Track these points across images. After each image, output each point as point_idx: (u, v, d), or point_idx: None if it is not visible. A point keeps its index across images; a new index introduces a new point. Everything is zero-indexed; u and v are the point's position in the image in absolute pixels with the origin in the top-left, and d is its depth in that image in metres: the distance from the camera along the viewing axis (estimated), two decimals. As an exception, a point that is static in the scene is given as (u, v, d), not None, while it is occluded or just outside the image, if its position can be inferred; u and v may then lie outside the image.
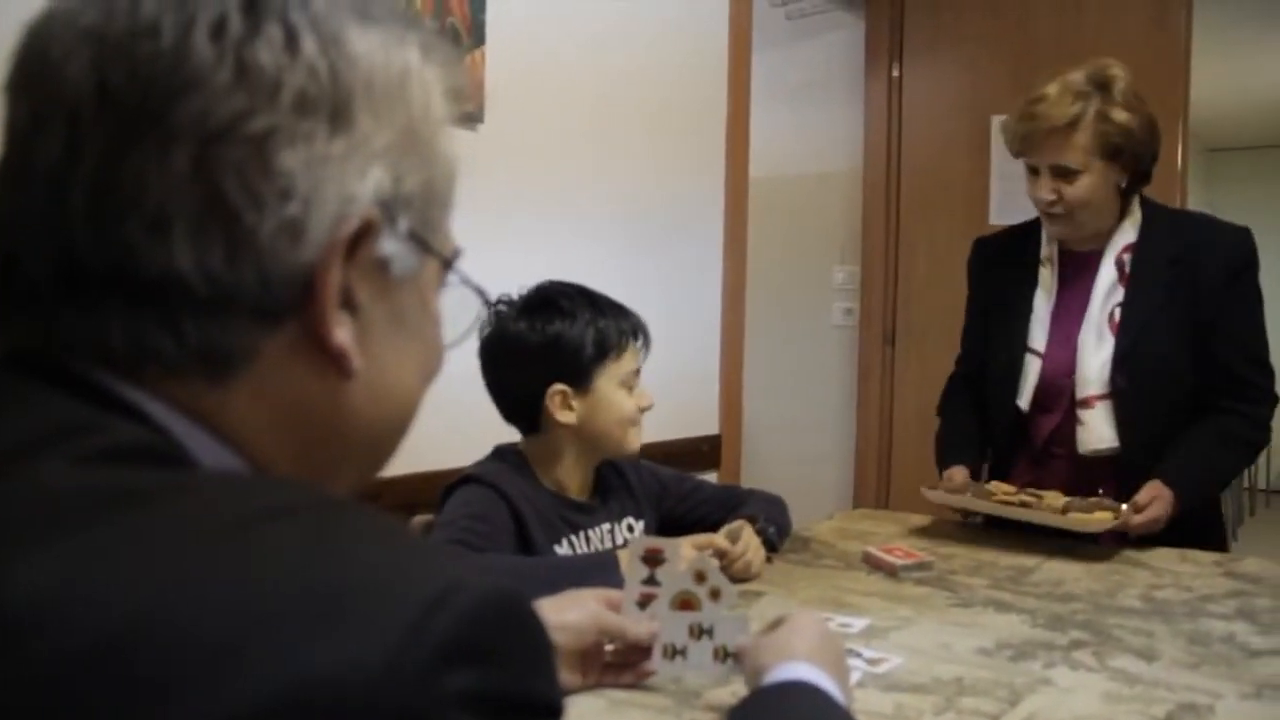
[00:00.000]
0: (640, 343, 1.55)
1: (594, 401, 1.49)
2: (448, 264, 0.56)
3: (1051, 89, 1.78)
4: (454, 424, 1.57)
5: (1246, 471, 6.48)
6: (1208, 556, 1.69)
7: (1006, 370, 1.93)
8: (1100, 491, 1.82)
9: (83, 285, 0.47)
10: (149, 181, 0.45)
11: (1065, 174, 1.79)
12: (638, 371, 1.54)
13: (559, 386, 1.48)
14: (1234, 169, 7.43)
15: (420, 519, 1.57)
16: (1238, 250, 1.85)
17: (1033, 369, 1.90)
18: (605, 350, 1.49)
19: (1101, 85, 1.77)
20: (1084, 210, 1.81)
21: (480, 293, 0.59)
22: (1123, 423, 1.82)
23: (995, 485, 1.84)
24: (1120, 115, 1.76)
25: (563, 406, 1.48)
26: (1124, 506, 1.71)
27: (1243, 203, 6.88)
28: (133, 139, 0.45)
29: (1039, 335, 1.91)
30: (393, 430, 0.57)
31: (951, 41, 3.61)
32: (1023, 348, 1.91)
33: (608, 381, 1.49)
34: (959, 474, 1.91)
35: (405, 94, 0.51)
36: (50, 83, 0.47)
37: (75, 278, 0.47)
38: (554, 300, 1.50)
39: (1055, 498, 1.76)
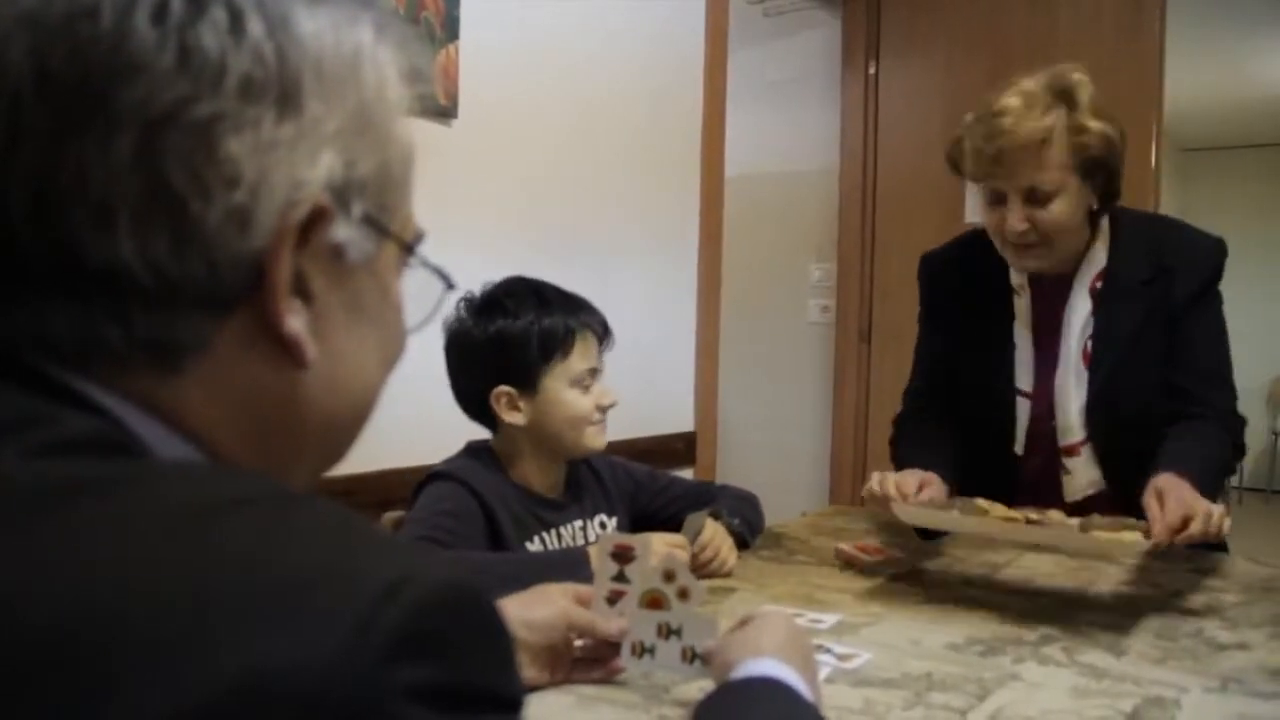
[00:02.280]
0: (596, 339, 1.52)
1: (543, 403, 1.47)
2: (408, 248, 0.55)
3: (1012, 101, 1.58)
4: (426, 421, 1.57)
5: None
6: (1177, 553, 1.69)
7: (994, 412, 1.75)
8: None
9: (27, 277, 0.46)
10: (91, 170, 0.44)
11: (1038, 198, 1.59)
12: (593, 369, 1.51)
13: (504, 388, 1.47)
14: (1209, 169, 7.49)
15: (391, 515, 1.56)
16: (1207, 264, 1.71)
17: (1023, 412, 1.74)
18: (550, 351, 1.46)
19: (1064, 94, 1.58)
20: (1060, 237, 1.63)
21: (441, 274, 0.58)
22: (1107, 464, 1.70)
23: (985, 502, 1.47)
24: (1094, 124, 1.57)
25: (509, 408, 1.47)
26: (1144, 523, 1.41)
27: (1217, 203, 6.95)
28: (74, 126, 0.44)
29: (1024, 375, 1.75)
30: (352, 420, 0.56)
31: (928, 40, 3.63)
32: (1011, 389, 1.75)
33: (556, 381, 1.47)
34: (935, 487, 1.57)
35: (357, 76, 0.50)
36: None
37: (19, 270, 0.46)
38: (499, 299, 1.48)
39: (1061, 516, 1.47)
